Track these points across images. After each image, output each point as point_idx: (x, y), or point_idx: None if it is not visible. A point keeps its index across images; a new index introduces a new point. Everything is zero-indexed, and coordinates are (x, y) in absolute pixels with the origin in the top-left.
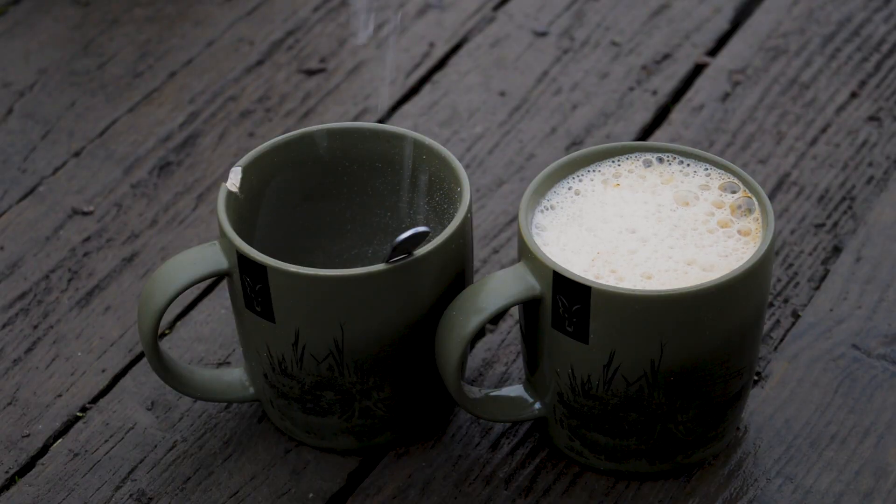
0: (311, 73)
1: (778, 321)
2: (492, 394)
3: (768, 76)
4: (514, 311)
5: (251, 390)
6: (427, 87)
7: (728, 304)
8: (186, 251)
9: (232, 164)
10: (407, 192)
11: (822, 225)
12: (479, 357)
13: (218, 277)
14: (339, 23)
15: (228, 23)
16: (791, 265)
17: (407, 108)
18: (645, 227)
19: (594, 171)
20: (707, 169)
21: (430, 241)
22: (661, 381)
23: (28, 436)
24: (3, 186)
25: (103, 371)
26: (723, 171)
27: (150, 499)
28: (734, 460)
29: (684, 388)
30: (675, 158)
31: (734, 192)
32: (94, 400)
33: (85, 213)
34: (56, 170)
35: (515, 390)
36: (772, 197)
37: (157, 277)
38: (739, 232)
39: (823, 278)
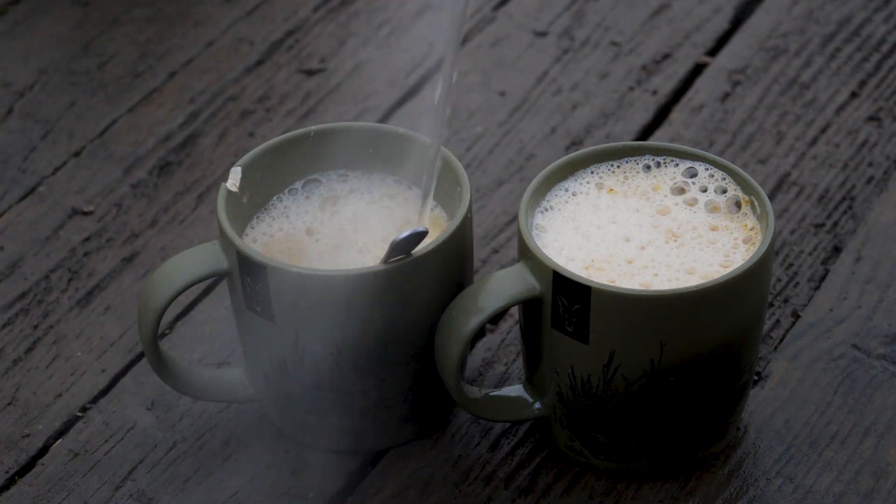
0: (311, 73)
1: (778, 321)
2: (492, 394)
3: (768, 76)
4: (514, 311)
5: (251, 390)
6: (427, 87)
7: (728, 304)
8: (186, 251)
9: (232, 164)
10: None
11: (822, 225)
12: (479, 357)
13: (218, 277)
14: (339, 23)
15: (228, 23)
16: (791, 265)
17: (407, 108)
18: (639, 235)
19: (593, 172)
20: (708, 169)
21: (430, 241)
22: (661, 381)
23: (28, 436)
24: (3, 186)
25: (103, 371)
26: (723, 172)
27: (150, 499)
28: (734, 460)
29: (684, 388)
30: (672, 161)
31: (738, 205)
32: (94, 400)
33: (85, 213)
34: (56, 170)
35: (515, 390)
36: (772, 197)
37: (157, 277)
38: (743, 241)
39: (823, 278)
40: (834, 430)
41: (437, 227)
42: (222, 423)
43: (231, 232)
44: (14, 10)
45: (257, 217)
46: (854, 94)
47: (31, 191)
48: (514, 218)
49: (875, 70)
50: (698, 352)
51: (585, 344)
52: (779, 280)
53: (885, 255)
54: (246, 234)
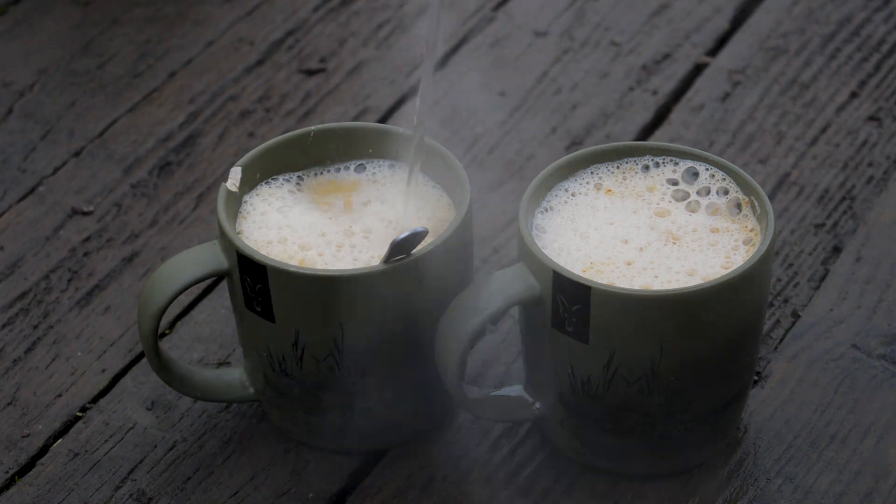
0: (311, 73)
1: (778, 321)
2: (492, 394)
3: (768, 76)
4: (514, 311)
5: (251, 390)
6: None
7: (728, 304)
8: (186, 251)
9: (232, 164)
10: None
11: (822, 225)
12: (479, 357)
13: (218, 277)
14: (339, 23)
15: (228, 23)
16: (791, 265)
17: (407, 108)
18: (638, 237)
19: (593, 173)
20: (709, 169)
21: (430, 241)
22: (662, 381)
23: (28, 436)
24: (3, 186)
25: (103, 371)
26: (723, 172)
27: (150, 499)
28: (734, 460)
29: (684, 388)
30: (672, 161)
31: (739, 207)
32: (94, 400)
33: (85, 213)
34: (56, 170)
35: (515, 390)
36: (772, 197)
37: (157, 277)
38: (743, 242)
39: (823, 278)
40: (834, 430)
41: (437, 227)
42: (222, 423)
43: (231, 232)
44: (14, 10)
45: (247, 201)
46: (854, 94)
47: (31, 191)
48: (514, 218)
49: (875, 70)
50: (698, 352)
51: (585, 344)
52: (779, 280)
53: (885, 255)
54: (239, 213)
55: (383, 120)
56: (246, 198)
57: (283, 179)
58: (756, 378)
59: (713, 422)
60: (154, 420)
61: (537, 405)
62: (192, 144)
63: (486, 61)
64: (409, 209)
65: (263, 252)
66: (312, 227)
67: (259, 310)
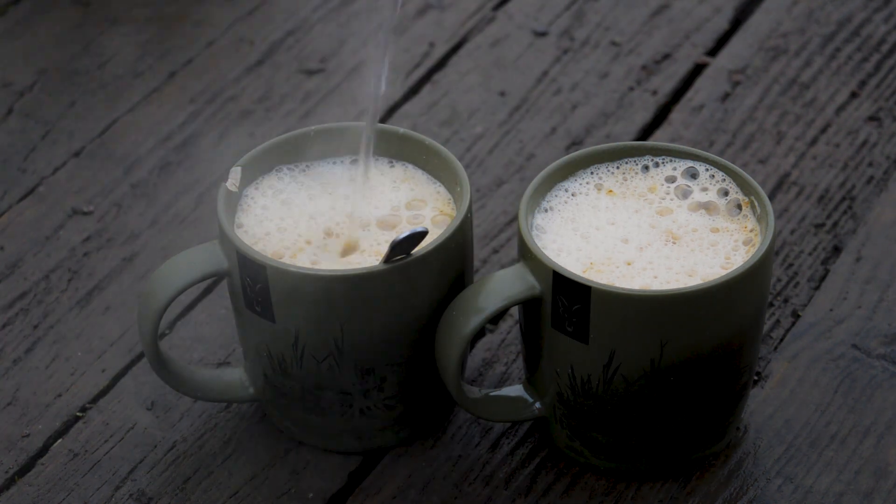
0: (311, 73)
1: (778, 321)
2: (492, 394)
3: (768, 76)
4: (514, 311)
5: (251, 390)
6: (427, 87)
7: (728, 303)
8: (186, 251)
9: (232, 164)
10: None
11: (822, 225)
12: (479, 357)
13: (218, 277)
14: (339, 23)
15: (228, 23)
16: (791, 265)
17: (407, 108)
18: (638, 237)
19: (593, 173)
20: (708, 169)
21: (430, 241)
22: (661, 381)
23: (28, 436)
24: (3, 186)
25: (103, 371)
26: (722, 173)
27: (150, 499)
28: (734, 460)
29: (684, 388)
30: (671, 161)
31: (739, 207)
32: (94, 400)
33: (85, 213)
34: (56, 170)
35: (515, 390)
36: (772, 197)
37: (157, 277)
38: (743, 243)
39: (823, 278)
40: (834, 430)
41: (437, 227)
42: (222, 423)
43: (231, 232)
44: (14, 10)
45: (246, 194)
46: (854, 94)
47: (31, 191)
48: (514, 218)
49: (875, 70)
50: (698, 352)
51: (585, 344)
52: (779, 280)
53: (885, 255)
54: (239, 207)
55: (383, 120)
56: (246, 191)
57: (287, 169)
58: (756, 378)
59: (713, 422)
60: (154, 420)
61: (537, 405)
62: (192, 144)
63: (486, 61)
64: (362, 203)
65: (262, 244)
66: (311, 221)
67: (259, 310)
